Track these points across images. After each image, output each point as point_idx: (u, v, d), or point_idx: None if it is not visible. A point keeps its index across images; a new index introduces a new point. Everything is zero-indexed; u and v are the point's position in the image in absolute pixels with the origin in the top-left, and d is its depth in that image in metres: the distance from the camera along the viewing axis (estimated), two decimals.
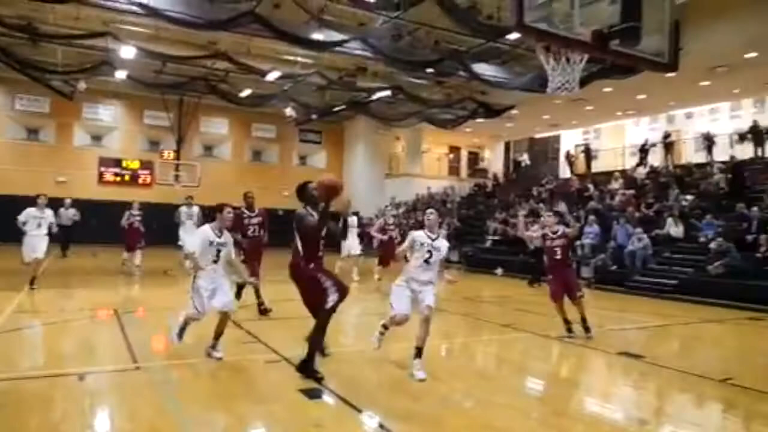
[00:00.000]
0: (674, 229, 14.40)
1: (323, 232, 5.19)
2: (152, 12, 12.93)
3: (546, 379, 5.85)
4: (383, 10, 13.54)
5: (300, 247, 5.17)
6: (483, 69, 16.64)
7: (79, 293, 10.73)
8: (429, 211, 5.77)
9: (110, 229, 15.70)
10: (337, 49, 15.18)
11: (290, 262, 5.23)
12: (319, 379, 4.89)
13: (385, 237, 12.05)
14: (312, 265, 5.14)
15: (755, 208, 13.18)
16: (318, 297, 5.02)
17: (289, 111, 22.35)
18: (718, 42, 13.77)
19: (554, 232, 7.76)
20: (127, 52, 16.48)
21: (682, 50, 11.11)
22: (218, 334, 5.65)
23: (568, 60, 4.63)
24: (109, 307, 8.69)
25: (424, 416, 4.30)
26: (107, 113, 24.38)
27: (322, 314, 5.01)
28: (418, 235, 5.45)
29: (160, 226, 15.27)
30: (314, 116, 24.18)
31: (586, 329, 7.48)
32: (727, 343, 8.40)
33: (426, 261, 5.37)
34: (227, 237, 5.80)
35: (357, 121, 27.10)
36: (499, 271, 16.40)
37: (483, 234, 20.33)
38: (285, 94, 20.86)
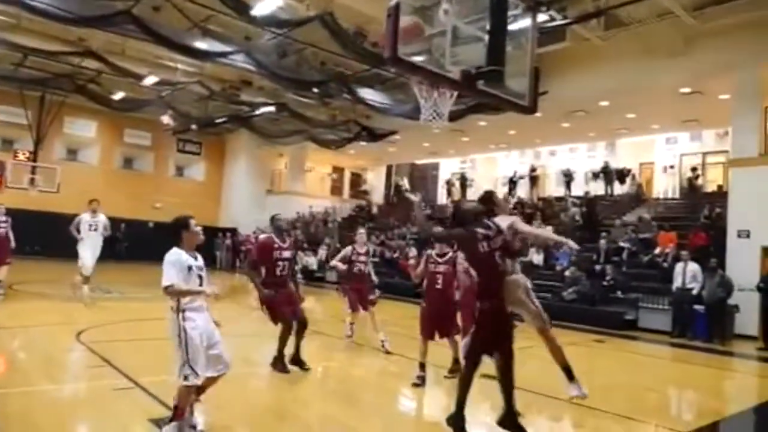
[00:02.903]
0: (536, 257, 15.55)
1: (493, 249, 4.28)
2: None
3: (412, 402, 5.95)
4: (270, 26, 13.38)
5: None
6: (367, 94, 16.98)
7: None
8: None
9: None
10: (221, 60, 14.76)
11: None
12: None
13: (355, 270, 8.40)
14: (487, 304, 4.29)
15: (603, 241, 14.61)
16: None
17: (166, 119, 21.24)
18: (577, 89, 15.19)
19: (440, 255, 6.38)
20: None
21: (546, 93, 12.14)
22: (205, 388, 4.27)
23: (440, 94, 4.84)
24: None
25: None
26: None
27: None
28: None
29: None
30: (194, 126, 23.19)
31: (453, 370, 6.44)
32: (576, 365, 9.11)
33: None
34: (201, 260, 4.31)
35: (240, 134, 26.41)
36: (376, 292, 16.62)
37: None
38: (162, 101, 19.84)
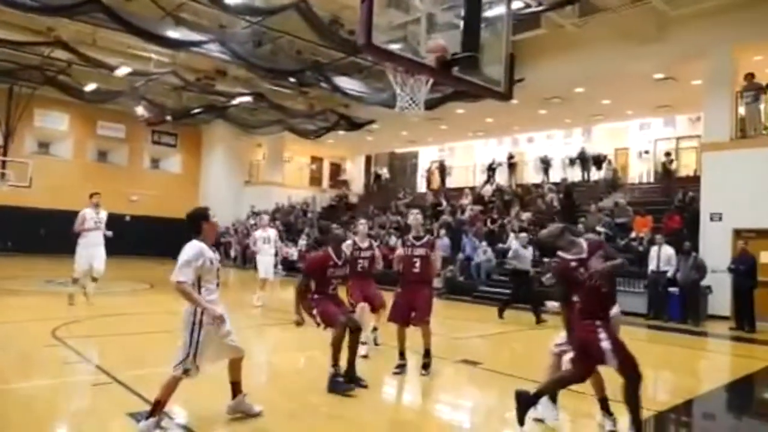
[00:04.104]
0: (514, 243, 15.66)
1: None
2: None
3: (395, 390, 5.98)
4: (244, 14, 13.20)
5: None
6: (344, 82, 16.87)
7: None
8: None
9: None
10: (195, 49, 14.54)
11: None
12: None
13: (359, 267, 7.25)
14: (598, 322, 4.01)
15: (580, 226, 14.77)
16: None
17: (140, 110, 20.90)
18: (553, 76, 15.31)
19: (417, 238, 6.21)
20: None
21: (523, 81, 12.18)
22: (239, 382, 4.34)
23: (415, 81, 4.83)
24: None
25: None
26: None
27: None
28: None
29: None
30: (169, 118, 22.82)
31: (425, 365, 6.19)
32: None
33: None
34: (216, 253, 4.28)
35: (216, 125, 26.09)
36: None
37: None
38: (136, 92, 19.48)
